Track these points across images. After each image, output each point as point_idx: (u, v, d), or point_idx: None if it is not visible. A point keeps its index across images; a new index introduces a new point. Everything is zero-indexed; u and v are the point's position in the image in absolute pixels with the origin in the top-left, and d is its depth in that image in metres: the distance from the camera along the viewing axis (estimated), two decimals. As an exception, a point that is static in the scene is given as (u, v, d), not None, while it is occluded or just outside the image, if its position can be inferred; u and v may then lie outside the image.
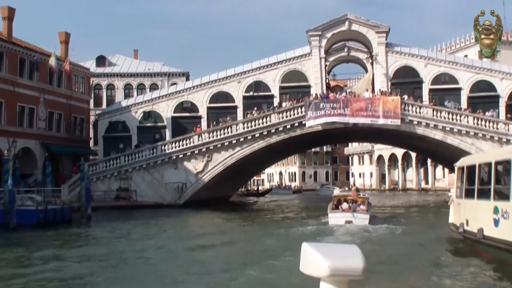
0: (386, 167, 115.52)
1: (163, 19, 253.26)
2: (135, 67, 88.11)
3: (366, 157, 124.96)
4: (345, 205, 35.78)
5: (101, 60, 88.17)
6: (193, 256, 24.87)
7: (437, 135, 57.16)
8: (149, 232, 35.11)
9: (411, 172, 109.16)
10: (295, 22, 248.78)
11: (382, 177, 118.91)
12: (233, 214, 50.71)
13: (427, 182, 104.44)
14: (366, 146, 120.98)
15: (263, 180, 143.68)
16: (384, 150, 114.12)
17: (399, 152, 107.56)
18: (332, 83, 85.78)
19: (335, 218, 34.84)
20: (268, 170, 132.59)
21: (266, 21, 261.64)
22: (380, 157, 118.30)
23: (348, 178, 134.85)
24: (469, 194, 22.71)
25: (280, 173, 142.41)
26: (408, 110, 57.13)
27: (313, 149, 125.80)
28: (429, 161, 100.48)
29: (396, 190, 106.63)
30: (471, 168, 22.79)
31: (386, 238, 29.82)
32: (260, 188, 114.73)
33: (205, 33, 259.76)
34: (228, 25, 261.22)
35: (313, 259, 3.77)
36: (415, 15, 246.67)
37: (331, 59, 70.62)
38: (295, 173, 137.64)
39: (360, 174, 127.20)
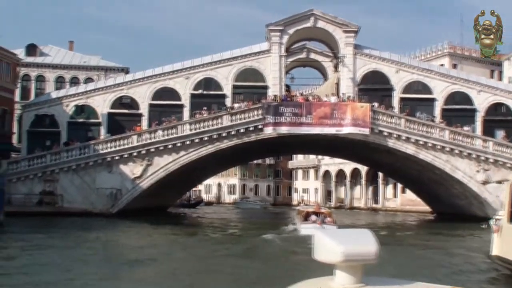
0: (333, 184, 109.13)
1: (99, 23, 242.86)
2: (69, 59, 79.84)
3: (312, 172, 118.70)
4: (314, 217, 37.57)
5: (31, 49, 79.45)
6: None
7: (409, 149, 51.49)
8: (69, 247, 27.33)
9: (359, 190, 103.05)
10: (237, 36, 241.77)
11: (328, 194, 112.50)
12: (179, 228, 43.52)
13: (376, 201, 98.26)
14: (312, 160, 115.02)
15: (200, 191, 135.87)
16: (331, 165, 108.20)
17: (348, 168, 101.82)
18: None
19: (306, 229, 35.02)
20: (206, 181, 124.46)
21: (208, 33, 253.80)
22: (326, 173, 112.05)
23: (290, 193, 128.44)
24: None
25: (219, 185, 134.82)
26: (378, 120, 50.98)
27: (255, 161, 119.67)
28: (380, 179, 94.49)
29: (342, 208, 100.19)
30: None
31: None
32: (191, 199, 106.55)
33: (145, 40, 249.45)
34: (171, 34, 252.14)
35: (326, 246, 3.77)
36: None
37: (289, 60, 63.63)
38: (235, 185, 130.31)
39: (304, 190, 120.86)
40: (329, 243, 3.74)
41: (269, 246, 29.31)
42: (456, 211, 56.20)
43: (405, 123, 51.26)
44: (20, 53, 74.20)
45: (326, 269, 3.88)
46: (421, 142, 51.00)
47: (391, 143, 51.22)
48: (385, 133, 50.88)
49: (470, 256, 25.47)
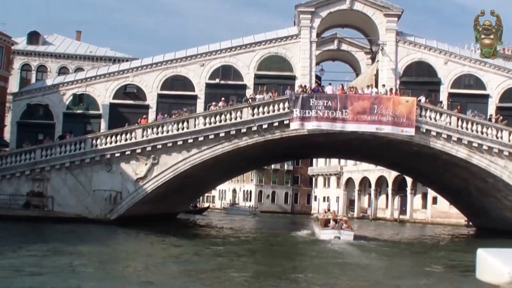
0: (356, 192, 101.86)
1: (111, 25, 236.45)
2: (74, 49, 73.32)
3: (333, 179, 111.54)
4: (332, 223, 40.40)
5: (34, 37, 73.09)
6: None
7: (460, 152, 44.10)
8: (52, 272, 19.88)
9: (384, 200, 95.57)
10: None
11: (350, 203, 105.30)
12: (194, 240, 37.49)
13: (403, 212, 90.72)
14: (334, 166, 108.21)
15: (213, 197, 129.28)
16: (354, 172, 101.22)
17: (373, 175, 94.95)
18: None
19: (326, 234, 39.13)
20: (220, 186, 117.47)
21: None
22: (349, 180, 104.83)
23: (309, 202, 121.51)
24: None
25: (234, 191, 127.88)
26: (425, 117, 43.57)
27: (272, 166, 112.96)
28: (408, 188, 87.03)
29: (366, 219, 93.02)
30: None
31: None
32: (198, 205, 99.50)
33: (157, 40, 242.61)
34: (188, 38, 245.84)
35: (491, 266, 3.71)
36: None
37: (317, 51, 56.31)
38: (251, 191, 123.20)
39: (324, 198, 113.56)
40: (495, 264, 3.22)
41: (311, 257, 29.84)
42: (506, 226, 48.77)
43: (457, 122, 43.84)
44: (22, 41, 68.63)
45: None
46: (475, 144, 43.59)
47: (440, 145, 43.72)
48: (433, 133, 43.46)
49: None
